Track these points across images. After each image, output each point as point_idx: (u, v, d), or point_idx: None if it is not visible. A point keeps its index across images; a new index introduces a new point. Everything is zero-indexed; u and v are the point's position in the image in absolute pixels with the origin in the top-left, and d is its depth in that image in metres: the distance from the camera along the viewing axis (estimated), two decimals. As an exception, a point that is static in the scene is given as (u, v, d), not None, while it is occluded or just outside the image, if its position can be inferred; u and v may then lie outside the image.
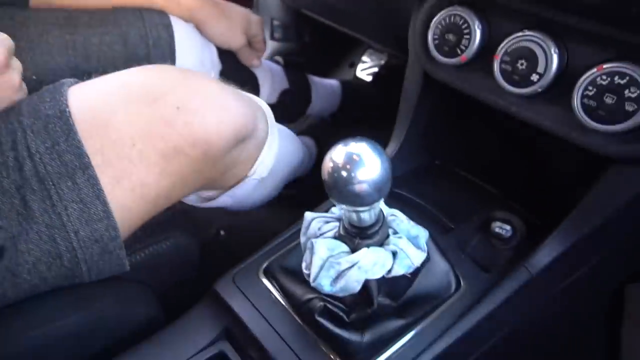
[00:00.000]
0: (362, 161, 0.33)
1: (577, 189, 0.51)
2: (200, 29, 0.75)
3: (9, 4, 0.63)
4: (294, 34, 1.17)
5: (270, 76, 0.89)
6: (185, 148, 0.48)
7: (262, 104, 0.62)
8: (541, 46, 0.43)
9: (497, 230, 0.54)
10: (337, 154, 0.34)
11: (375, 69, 1.18)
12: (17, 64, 0.49)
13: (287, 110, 0.92)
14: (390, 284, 0.45)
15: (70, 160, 0.42)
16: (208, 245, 0.97)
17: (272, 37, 1.18)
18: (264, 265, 0.51)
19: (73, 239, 0.43)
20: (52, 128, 0.43)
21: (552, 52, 0.43)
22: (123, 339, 0.51)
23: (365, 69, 1.20)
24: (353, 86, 1.10)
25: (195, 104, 0.49)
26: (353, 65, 1.22)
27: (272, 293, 0.48)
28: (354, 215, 0.37)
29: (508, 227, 0.54)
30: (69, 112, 0.44)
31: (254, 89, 0.85)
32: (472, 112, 0.60)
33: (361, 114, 1.09)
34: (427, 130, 0.63)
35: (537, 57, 0.44)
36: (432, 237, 0.48)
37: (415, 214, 0.56)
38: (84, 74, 0.53)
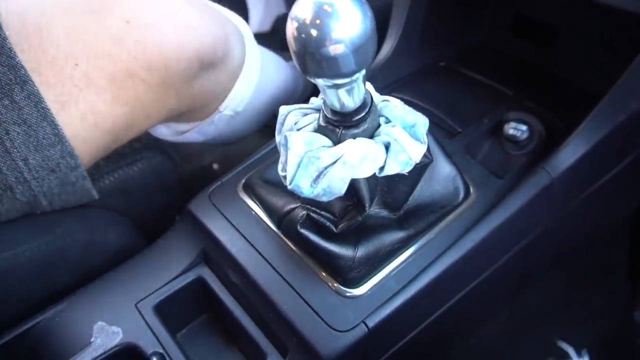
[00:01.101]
0: (335, 12, 0.25)
1: (599, 87, 0.43)
2: None
3: None
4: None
5: None
6: (139, 71, 0.40)
7: (238, 22, 0.52)
8: None
9: (511, 132, 0.47)
10: (302, 7, 0.26)
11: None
12: None
13: (283, 38, 0.82)
14: (387, 191, 0.38)
15: (3, 73, 0.35)
16: (199, 179, 0.91)
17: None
18: (243, 180, 0.44)
19: (23, 169, 0.37)
20: None
21: None
22: (93, 270, 0.46)
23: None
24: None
25: (149, 18, 0.41)
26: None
27: (251, 209, 0.42)
28: (333, 96, 0.30)
29: (524, 128, 0.46)
30: None
31: (242, 12, 0.74)
32: (479, 1, 0.51)
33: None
34: (427, 24, 0.55)
35: None
36: (437, 140, 0.41)
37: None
38: None
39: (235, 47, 0.49)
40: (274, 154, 0.46)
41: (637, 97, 0.42)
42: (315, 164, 0.31)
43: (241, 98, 0.53)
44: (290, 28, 0.26)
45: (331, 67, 0.26)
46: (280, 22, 0.82)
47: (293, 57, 0.28)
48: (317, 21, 0.25)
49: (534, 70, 0.56)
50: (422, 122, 0.33)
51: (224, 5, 0.70)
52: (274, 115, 0.65)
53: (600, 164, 0.46)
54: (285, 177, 0.33)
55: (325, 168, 0.31)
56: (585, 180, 0.46)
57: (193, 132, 0.54)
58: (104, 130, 0.41)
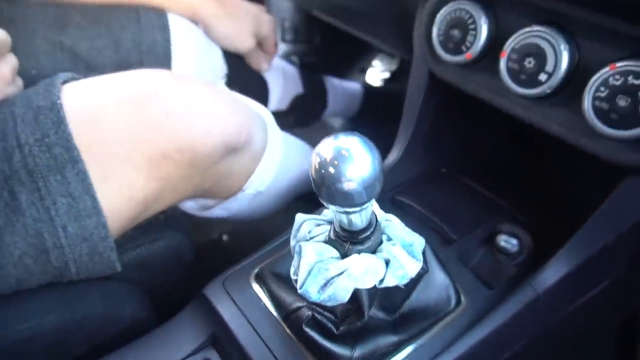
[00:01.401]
0: (351, 157, 0.31)
1: (588, 201, 0.47)
2: (204, 29, 0.71)
3: None
4: (305, 36, 1.16)
5: (282, 80, 0.85)
6: (172, 153, 0.47)
7: (262, 111, 0.60)
8: (550, 42, 0.41)
9: (502, 244, 0.51)
10: (324, 149, 0.31)
11: (387, 75, 1.16)
12: (10, 58, 0.49)
13: (300, 115, 0.89)
14: (385, 296, 0.42)
15: (60, 153, 0.42)
16: (209, 250, 0.95)
17: (283, 39, 1.17)
18: (256, 270, 0.48)
19: (61, 235, 0.42)
20: (42, 120, 0.42)
21: (562, 48, 0.40)
22: (108, 340, 0.49)
23: (377, 74, 1.17)
24: (375, 90, 1.06)
25: (184, 110, 0.48)
26: (363, 71, 1.20)
27: (261, 300, 0.46)
28: (344, 218, 0.35)
29: (514, 242, 0.51)
30: (61, 104, 0.43)
31: (263, 94, 0.81)
32: (479, 115, 0.57)
33: (381, 119, 1.06)
34: (432, 134, 0.61)
35: (545, 55, 0.41)
36: (433, 248, 0.46)
37: (417, 223, 0.54)
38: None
39: (257, 133, 0.56)
40: (286, 245, 0.51)
41: (619, 223, 0.46)
42: (323, 274, 0.35)
43: (263, 179, 0.59)
44: (314, 162, 0.32)
45: (344, 199, 0.32)
46: (296, 102, 0.89)
47: (312, 183, 0.33)
48: (335, 162, 0.31)
49: (528, 181, 0.61)
50: (419, 242, 0.38)
51: (248, 83, 0.78)
52: (297, 197, 0.71)
53: (585, 283, 0.50)
54: (296, 280, 0.37)
55: (332, 278, 0.35)
56: (570, 296, 0.50)
57: (218, 208, 0.60)
58: (137, 202, 0.47)
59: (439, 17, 0.49)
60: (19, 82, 0.50)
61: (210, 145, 0.49)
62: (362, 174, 0.31)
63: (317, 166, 0.32)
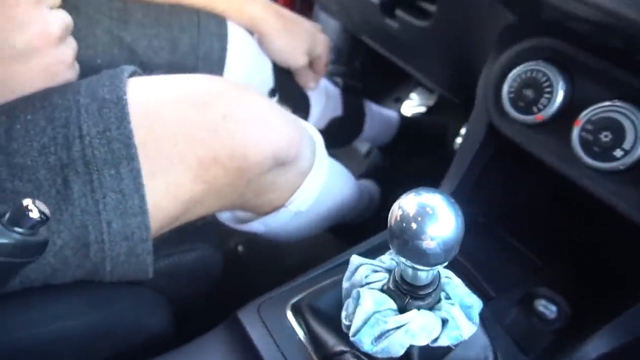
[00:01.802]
0: (435, 215, 0.30)
1: (636, 278, 0.47)
2: (260, 40, 0.71)
3: None
4: (346, 58, 1.16)
5: (325, 100, 0.85)
6: (223, 158, 0.47)
7: (313, 132, 0.60)
8: (631, 120, 0.40)
9: (541, 309, 0.51)
10: (408, 203, 0.31)
11: (423, 109, 1.16)
12: (72, 42, 0.48)
13: (334, 137, 0.88)
14: (426, 348, 0.41)
15: (118, 148, 0.42)
16: (226, 260, 0.94)
17: (323, 58, 1.17)
18: (293, 300, 0.47)
19: (104, 230, 0.42)
20: (106, 113, 0.42)
21: (645, 129, 0.40)
22: (132, 348, 0.48)
23: (412, 107, 1.18)
24: (410, 122, 1.06)
25: (242, 116, 0.49)
26: (399, 101, 1.20)
27: (297, 334, 0.44)
28: (409, 271, 0.34)
29: (553, 308, 0.50)
30: (126, 99, 0.43)
31: (305, 112, 0.81)
32: (532, 174, 0.57)
33: (412, 152, 1.05)
34: (479, 184, 0.60)
35: (625, 131, 0.40)
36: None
37: (457, 275, 0.53)
38: None
39: (306, 150, 0.56)
40: (325, 278, 0.50)
41: None
42: (381, 325, 0.34)
43: (307, 198, 0.59)
44: (395, 213, 0.31)
45: (419, 257, 0.31)
46: (333, 124, 0.89)
47: (389, 234, 0.32)
48: (419, 218, 0.30)
49: (569, 247, 0.60)
50: (477, 305, 0.37)
51: (292, 99, 0.78)
52: (334, 223, 0.70)
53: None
54: (348, 326, 0.36)
55: (389, 331, 0.34)
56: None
57: (256, 222, 0.60)
58: (180, 202, 0.46)
59: (512, 74, 0.48)
60: (77, 67, 0.50)
61: (261, 154, 0.49)
62: (444, 235, 0.30)
63: (398, 218, 0.31)
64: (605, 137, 0.42)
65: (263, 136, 0.50)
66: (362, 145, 1.13)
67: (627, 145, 0.40)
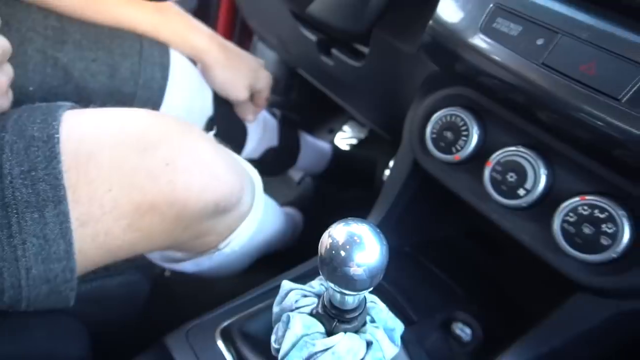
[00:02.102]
0: (362, 244, 0.33)
1: (540, 306, 0.52)
2: (202, 71, 0.71)
3: None
4: (283, 88, 1.20)
5: (262, 131, 0.86)
6: (161, 205, 0.45)
7: (254, 175, 0.60)
8: (532, 165, 0.46)
9: (457, 332, 0.55)
10: (338, 232, 0.33)
11: (354, 141, 1.21)
12: (8, 69, 0.46)
13: (268, 167, 0.90)
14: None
15: (44, 190, 0.39)
16: (152, 285, 0.90)
17: (260, 88, 1.20)
18: (223, 325, 0.48)
19: (22, 277, 0.39)
20: (33, 152, 0.39)
21: (541, 172, 0.45)
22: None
23: (344, 139, 1.23)
24: (343, 154, 1.10)
25: (185, 163, 0.47)
26: (332, 132, 1.25)
27: (226, 359, 0.45)
28: (337, 296, 0.36)
29: (468, 331, 0.55)
30: (58, 138, 0.40)
31: (241, 142, 0.82)
32: (450, 206, 0.62)
33: (344, 181, 1.09)
34: (404, 215, 0.64)
35: (526, 174, 0.46)
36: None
37: (382, 301, 0.56)
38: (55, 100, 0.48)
39: (247, 195, 0.56)
40: (254, 304, 0.51)
41: (566, 332, 0.48)
42: (309, 348, 0.36)
43: (241, 239, 0.58)
44: (325, 242, 0.33)
45: (347, 282, 0.33)
46: (268, 154, 0.91)
47: (319, 264, 0.34)
48: (347, 246, 0.33)
49: (484, 276, 0.65)
50: (399, 327, 0.40)
51: (230, 129, 0.78)
52: (262, 256, 0.70)
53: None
54: (278, 350, 0.37)
55: (316, 353, 0.36)
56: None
57: (188, 263, 0.58)
58: (108, 251, 0.44)
59: (434, 117, 0.53)
60: (11, 96, 0.48)
61: (202, 202, 0.48)
62: (370, 262, 0.33)
63: (328, 246, 0.33)
64: (511, 177, 0.47)
65: (206, 185, 0.48)
66: (295, 173, 1.16)
67: (528, 185, 0.46)
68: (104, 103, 0.54)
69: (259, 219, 0.59)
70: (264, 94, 0.79)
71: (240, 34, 1.25)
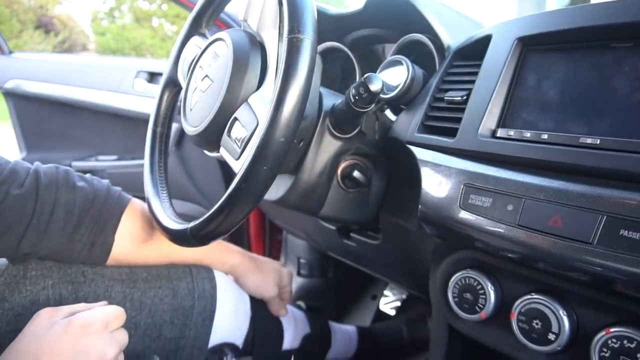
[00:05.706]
0: None
1: None
2: (237, 281, 0.85)
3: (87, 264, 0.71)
4: (319, 270, 1.28)
5: (294, 322, 0.96)
6: None
7: None
8: (550, 308, 0.49)
9: None
10: None
11: (398, 303, 1.24)
12: (122, 337, 0.56)
13: (308, 354, 0.95)
14: None
15: None
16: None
17: (299, 274, 1.29)
18: None
19: None
20: None
21: (562, 314, 0.49)
22: None
23: (388, 303, 1.26)
24: (370, 331, 1.14)
25: None
26: (375, 298, 1.28)
27: None
28: None
29: None
30: None
31: (279, 334, 0.91)
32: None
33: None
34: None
35: (549, 318, 0.49)
36: None
37: None
38: (134, 324, 0.61)
39: None
40: None
41: None
42: None
43: None
44: None
45: None
46: (306, 341, 0.96)
47: None
48: None
49: None
50: None
51: (268, 325, 0.86)
52: None
53: None
54: None
55: None
56: None
57: None
58: None
59: (451, 282, 0.59)
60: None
61: None
62: None
63: None
64: (537, 324, 0.50)
65: None
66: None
67: (554, 328, 0.49)
68: (171, 320, 0.71)
69: None
70: (288, 288, 0.91)
71: (270, 230, 1.39)
